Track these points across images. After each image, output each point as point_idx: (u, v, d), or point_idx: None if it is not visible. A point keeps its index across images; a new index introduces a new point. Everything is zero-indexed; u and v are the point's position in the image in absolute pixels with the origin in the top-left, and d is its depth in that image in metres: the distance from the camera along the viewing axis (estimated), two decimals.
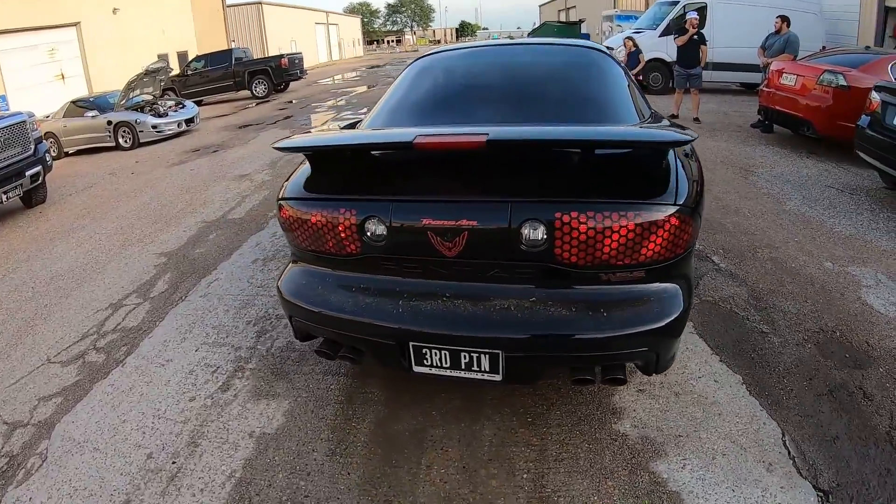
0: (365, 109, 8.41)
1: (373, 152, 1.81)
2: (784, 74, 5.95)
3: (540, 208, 1.49)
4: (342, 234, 1.67)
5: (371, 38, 52.66)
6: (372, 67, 22.98)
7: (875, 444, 1.81)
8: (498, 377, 1.60)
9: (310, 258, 1.83)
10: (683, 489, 1.65)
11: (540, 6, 40.32)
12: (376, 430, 1.96)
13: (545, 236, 1.50)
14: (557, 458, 1.78)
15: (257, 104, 13.55)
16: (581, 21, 17.44)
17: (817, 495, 1.63)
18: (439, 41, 60.33)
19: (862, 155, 4.11)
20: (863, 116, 4.15)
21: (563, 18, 27.83)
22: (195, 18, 20.57)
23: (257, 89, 14.17)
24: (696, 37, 7.27)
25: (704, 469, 1.72)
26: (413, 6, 69.78)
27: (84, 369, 2.58)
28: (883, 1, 8.94)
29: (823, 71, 5.31)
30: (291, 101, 13.12)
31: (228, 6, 23.63)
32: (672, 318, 1.53)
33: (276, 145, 1.78)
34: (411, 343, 1.61)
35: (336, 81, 18.35)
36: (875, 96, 4.02)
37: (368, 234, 1.65)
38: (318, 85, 17.29)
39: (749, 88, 9.41)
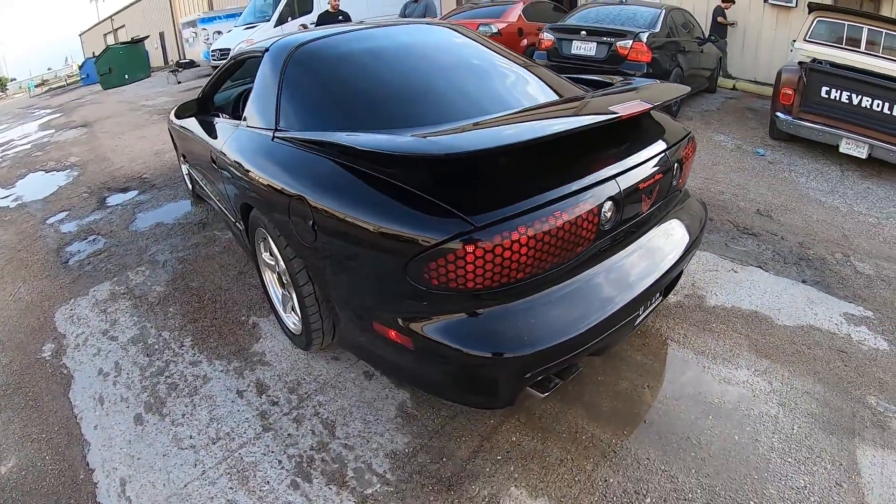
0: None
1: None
2: None
3: (679, 150, 1.93)
4: (583, 231, 1.48)
5: None
6: None
7: (789, 256, 3.14)
8: (661, 298, 1.95)
9: (511, 289, 1.44)
10: (826, 323, 2.46)
11: (81, 35, 36.21)
12: (655, 440, 1.79)
13: (679, 170, 1.96)
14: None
15: None
16: (144, 38, 16.17)
17: (800, 282, 2.83)
18: None
19: None
20: (536, 52, 5.92)
21: (112, 41, 25.65)
22: None
23: None
24: (340, 17, 8.12)
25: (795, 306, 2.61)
26: None
27: None
28: None
29: (479, 24, 7.03)
30: None
31: None
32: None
33: (454, 150, 1.39)
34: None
35: None
36: (548, 36, 5.79)
37: (604, 217, 1.56)
38: None
39: None
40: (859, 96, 4.31)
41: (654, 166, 1.75)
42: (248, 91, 3.38)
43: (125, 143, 6.68)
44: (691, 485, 1.63)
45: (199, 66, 13.62)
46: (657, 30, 5.64)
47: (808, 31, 5.38)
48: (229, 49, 9.32)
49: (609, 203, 1.56)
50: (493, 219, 1.34)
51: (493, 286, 1.39)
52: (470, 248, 1.31)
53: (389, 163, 1.52)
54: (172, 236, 3.73)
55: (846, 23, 5.23)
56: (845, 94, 4.39)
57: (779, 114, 4.81)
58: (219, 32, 14.21)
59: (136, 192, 4.79)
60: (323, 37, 2.34)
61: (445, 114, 1.89)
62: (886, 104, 4.23)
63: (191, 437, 1.98)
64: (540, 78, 2.38)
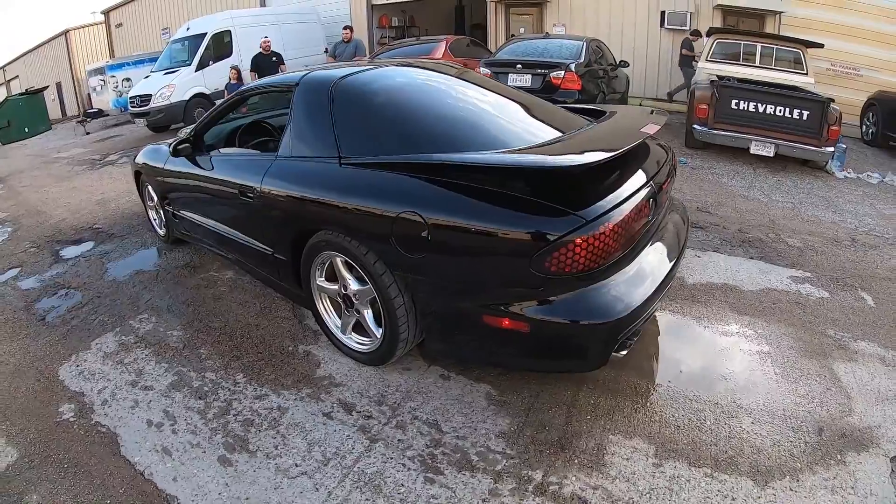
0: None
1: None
2: None
3: (672, 158, 2.53)
4: (642, 219, 2.00)
5: None
6: None
7: (733, 240, 3.91)
8: None
9: (602, 270, 1.84)
10: (779, 285, 3.22)
11: None
12: (693, 382, 2.31)
13: (675, 173, 2.58)
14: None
15: None
16: (44, 88, 15.45)
17: (749, 258, 3.58)
18: None
19: None
20: None
21: (5, 93, 24.20)
22: None
23: None
24: (274, 58, 8.73)
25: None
26: None
27: None
28: (370, 3, 12.63)
29: None
30: None
31: None
32: None
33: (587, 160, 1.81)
34: None
35: None
36: (485, 70, 6.43)
37: (650, 209, 2.07)
38: None
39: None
40: (763, 105, 5.41)
41: (666, 171, 2.33)
42: (253, 125, 3.61)
43: (56, 196, 6.35)
44: (732, 406, 2.16)
45: (108, 115, 12.92)
46: (582, 60, 6.47)
47: (709, 52, 6.52)
48: (150, 95, 9.16)
49: (651, 199, 2.08)
50: (597, 213, 1.78)
51: (593, 268, 1.81)
52: (584, 238, 1.73)
53: (506, 177, 1.93)
54: (163, 282, 3.67)
55: (742, 42, 6.43)
56: (751, 105, 5.47)
57: (696, 126, 5.81)
58: (128, 79, 13.70)
59: (92, 243, 4.61)
60: (358, 72, 2.64)
61: (504, 138, 2.30)
62: (786, 109, 5.37)
63: (296, 465, 2.00)
64: (549, 108, 2.90)
